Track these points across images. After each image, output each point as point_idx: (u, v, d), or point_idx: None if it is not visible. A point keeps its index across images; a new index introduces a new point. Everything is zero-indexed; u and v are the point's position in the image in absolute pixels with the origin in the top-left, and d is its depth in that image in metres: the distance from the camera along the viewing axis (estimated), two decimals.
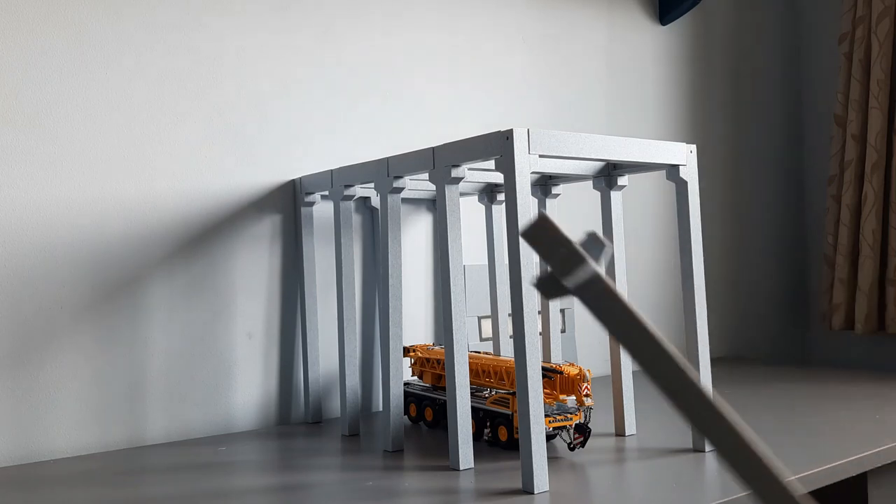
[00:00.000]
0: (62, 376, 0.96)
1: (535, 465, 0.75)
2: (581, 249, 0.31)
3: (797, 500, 0.30)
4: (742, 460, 0.30)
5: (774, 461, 0.30)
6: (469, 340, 1.25)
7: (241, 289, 1.09)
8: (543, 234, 0.30)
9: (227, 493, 0.78)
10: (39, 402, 0.95)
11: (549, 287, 0.31)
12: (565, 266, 0.30)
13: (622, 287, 0.98)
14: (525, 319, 0.75)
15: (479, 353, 1.05)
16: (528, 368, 0.75)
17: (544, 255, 0.31)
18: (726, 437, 0.30)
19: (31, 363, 0.94)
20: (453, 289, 0.84)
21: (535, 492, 0.75)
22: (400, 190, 0.93)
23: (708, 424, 0.31)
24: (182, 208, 1.05)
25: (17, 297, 0.94)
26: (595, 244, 0.31)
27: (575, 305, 1.45)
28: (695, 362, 0.89)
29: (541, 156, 0.78)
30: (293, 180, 1.14)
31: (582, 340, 1.46)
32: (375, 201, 1.20)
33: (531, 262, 0.77)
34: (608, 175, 0.99)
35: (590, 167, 1.01)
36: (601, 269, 0.31)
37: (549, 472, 0.77)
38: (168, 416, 1.03)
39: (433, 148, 0.86)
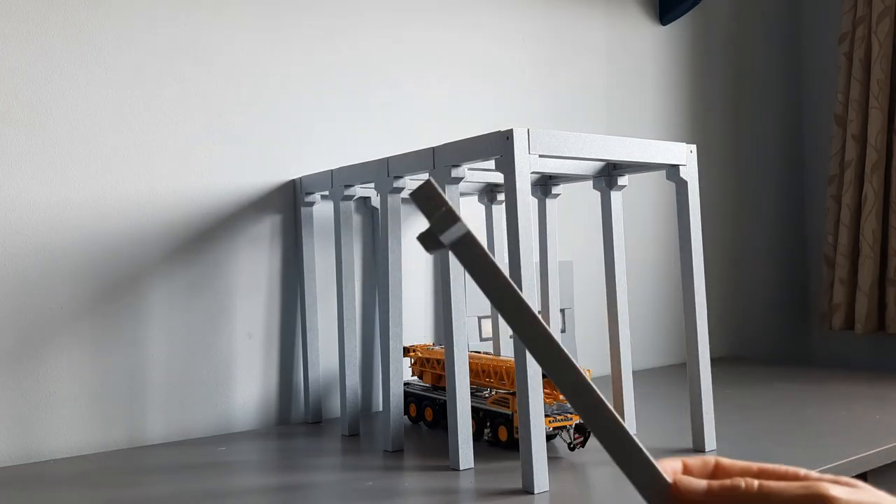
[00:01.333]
0: (62, 376, 0.96)
1: (535, 465, 0.75)
2: (456, 211, 0.36)
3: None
4: (588, 405, 0.37)
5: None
6: (469, 340, 1.25)
7: (241, 289, 1.09)
8: (427, 196, 0.36)
9: (227, 493, 0.78)
10: (39, 402, 0.95)
11: (428, 241, 0.36)
12: (442, 223, 0.36)
13: (622, 287, 0.98)
14: None
15: (479, 353, 1.05)
16: (528, 368, 0.75)
17: (426, 214, 0.36)
18: (576, 387, 0.37)
19: (32, 363, 0.94)
20: (453, 289, 0.84)
21: (536, 492, 0.75)
22: (400, 190, 0.93)
23: (558, 372, 0.37)
24: (182, 208, 1.05)
25: (17, 297, 0.94)
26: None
27: (574, 306, 1.45)
28: (695, 362, 0.89)
29: (541, 156, 0.78)
30: (293, 180, 1.14)
31: (582, 340, 1.46)
32: (375, 201, 1.20)
33: (531, 262, 0.77)
34: (608, 175, 0.99)
35: (590, 167, 1.01)
36: (470, 228, 0.37)
37: (549, 472, 0.77)
38: (168, 416, 1.03)
39: (433, 148, 0.86)
